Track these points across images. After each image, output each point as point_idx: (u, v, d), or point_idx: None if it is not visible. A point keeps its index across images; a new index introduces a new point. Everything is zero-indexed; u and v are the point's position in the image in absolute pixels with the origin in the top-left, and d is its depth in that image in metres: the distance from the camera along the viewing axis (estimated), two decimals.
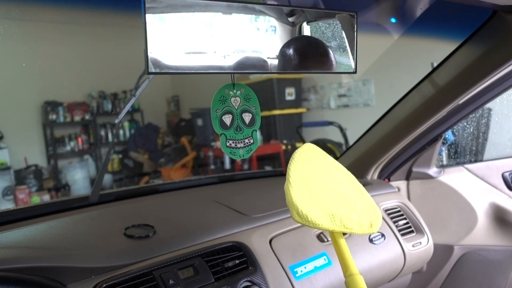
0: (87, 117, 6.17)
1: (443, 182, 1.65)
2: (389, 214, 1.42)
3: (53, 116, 5.88)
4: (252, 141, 0.81)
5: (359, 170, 1.67)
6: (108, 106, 6.35)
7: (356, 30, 0.79)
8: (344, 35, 0.80)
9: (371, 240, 1.28)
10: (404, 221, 1.44)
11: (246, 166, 4.99)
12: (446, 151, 2.04)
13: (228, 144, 0.79)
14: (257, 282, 0.99)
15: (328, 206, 0.79)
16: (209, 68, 0.69)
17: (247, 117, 0.79)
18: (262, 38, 0.74)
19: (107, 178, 5.69)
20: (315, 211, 0.77)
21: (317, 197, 0.79)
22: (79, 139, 6.19)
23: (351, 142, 3.41)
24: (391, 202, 1.48)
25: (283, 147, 5.11)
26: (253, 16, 0.72)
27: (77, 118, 6.08)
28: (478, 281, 1.57)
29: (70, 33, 4.32)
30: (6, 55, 4.27)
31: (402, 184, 1.71)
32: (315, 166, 0.85)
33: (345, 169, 0.90)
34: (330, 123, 4.48)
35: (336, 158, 1.82)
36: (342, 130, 4.34)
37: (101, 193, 1.37)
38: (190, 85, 6.64)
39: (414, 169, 1.68)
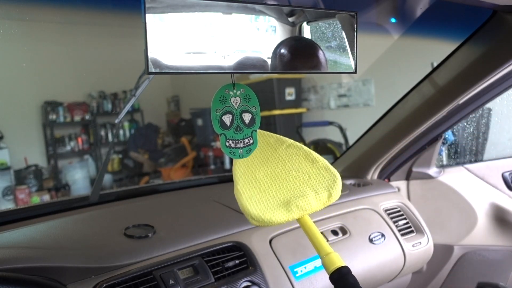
0: (87, 117, 6.17)
1: (443, 182, 1.65)
2: (389, 214, 1.42)
3: (53, 116, 5.88)
4: (251, 141, 0.81)
5: (359, 170, 1.67)
6: (108, 106, 6.35)
7: (356, 30, 0.79)
8: (344, 35, 0.80)
9: (371, 240, 1.28)
10: (404, 221, 1.44)
11: None
12: (446, 151, 2.04)
13: (227, 144, 0.79)
14: (257, 282, 0.99)
15: (281, 194, 0.78)
16: (209, 68, 0.69)
17: (247, 117, 0.79)
18: (262, 38, 0.74)
19: (107, 178, 5.69)
20: (269, 208, 0.75)
21: (268, 190, 0.78)
22: (79, 139, 6.19)
23: (351, 142, 3.42)
24: (391, 202, 1.48)
25: None
26: (253, 16, 0.72)
27: (77, 118, 6.08)
28: (478, 281, 1.57)
29: (70, 33, 4.32)
30: (6, 55, 4.27)
31: (402, 184, 1.71)
32: (259, 153, 0.82)
33: (291, 140, 0.85)
34: (330, 123, 4.48)
35: (336, 158, 1.82)
36: (342, 130, 4.34)
37: (101, 193, 1.37)
38: (190, 85, 6.64)
39: (414, 169, 1.68)
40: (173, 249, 1.00)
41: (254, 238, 1.11)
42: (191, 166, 5.50)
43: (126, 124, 6.52)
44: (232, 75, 0.76)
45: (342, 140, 4.39)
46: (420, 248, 1.39)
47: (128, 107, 1.32)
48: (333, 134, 4.54)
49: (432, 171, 1.67)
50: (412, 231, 1.42)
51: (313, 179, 0.80)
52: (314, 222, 1.26)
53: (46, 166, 5.83)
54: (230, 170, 0.85)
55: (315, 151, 0.86)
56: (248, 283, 0.98)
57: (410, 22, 1.53)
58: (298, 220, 0.78)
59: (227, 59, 0.69)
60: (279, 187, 0.79)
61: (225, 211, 1.25)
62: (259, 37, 0.74)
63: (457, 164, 1.82)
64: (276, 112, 5.32)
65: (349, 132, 4.34)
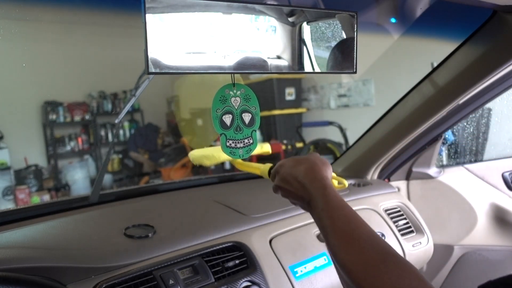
0: (87, 117, 6.16)
1: (443, 182, 1.65)
2: (389, 214, 1.42)
3: (53, 116, 5.87)
4: (251, 141, 0.81)
5: (359, 170, 1.67)
6: (108, 106, 6.34)
7: (356, 30, 0.79)
8: (344, 35, 0.80)
9: None
10: (404, 221, 1.44)
11: None
12: (446, 151, 2.04)
13: (228, 144, 0.79)
14: (257, 282, 0.99)
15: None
16: (209, 68, 0.69)
17: (247, 117, 0.79)
18: (262, 38, 0.74)
19: (107, 178, 5.69)
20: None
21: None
22: (79, 139, 6.19)
23: (351, 142, 3.41)
24: (391, 202, 1.48)
25: (283, 147, 5.11)
26: (253, 16, 0.72)
27: (77, 118, 6.07)
28: (478, 281, 1.57)
29: (70, 33, 4.32)
30: (6, 55, 4.27)
31: (402, 184, 1.71)
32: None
33: None
34: (330, 123, 4.48)
35: (336, 158, 1.82)
36: (342, 130, 4.34)
37: (101, 193, 1.37)
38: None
39: (414, 169, 1.68)
40: (173, 249, 1.00)
41: (254, 238, 1.11)
42: (191, 166, 5.49)
43: (126, 124, 6.51)
44: (232, 75, 0.76)
45: (342, 140, 4.39)
46: (420, 248, 1.39)
47: (128, 107, 1.32)
48: (333, 134, 4.54)
49: (432, 171, 1.67)
50: (412, 231, 1.42)
51: None
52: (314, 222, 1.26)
53: (46, 166, 5.83)
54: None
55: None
56: (248, 283, 0.98)
57: (410, 22, 1.53)
58: (236, 163, 1.03)
59: (227, 59, 0.69)
60: None
61: (225, 211, 1.26)
62: (259, 37, 0.74)
63: (457, 164, 1.82)
64: (276, 112, 5.32)
65: (349, 132, 4.34)
